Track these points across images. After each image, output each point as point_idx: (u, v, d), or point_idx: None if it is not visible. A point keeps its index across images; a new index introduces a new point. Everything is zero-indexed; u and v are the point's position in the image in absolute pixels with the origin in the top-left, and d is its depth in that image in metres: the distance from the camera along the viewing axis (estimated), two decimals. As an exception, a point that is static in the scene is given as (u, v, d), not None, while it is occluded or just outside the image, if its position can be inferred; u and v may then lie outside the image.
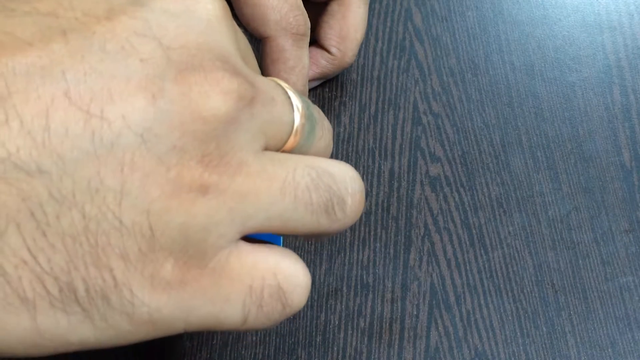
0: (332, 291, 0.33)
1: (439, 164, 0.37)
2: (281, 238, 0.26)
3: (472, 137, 0.37)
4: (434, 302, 0.33)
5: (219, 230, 0.18)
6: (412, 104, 0.38)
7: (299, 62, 0.32)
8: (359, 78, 0.39)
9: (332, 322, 0.32)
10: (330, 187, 0.19)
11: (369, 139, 0.37)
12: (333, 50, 0.36)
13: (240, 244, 0.19)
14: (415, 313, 0.32)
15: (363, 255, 0.34)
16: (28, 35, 0.16)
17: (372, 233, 0.34)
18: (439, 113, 0.38)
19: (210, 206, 0.17)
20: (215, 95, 0.17)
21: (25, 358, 0.17)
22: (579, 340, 0.32)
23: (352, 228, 0.35)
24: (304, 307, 0.32)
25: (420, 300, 0.33)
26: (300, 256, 0.33)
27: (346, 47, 0.36)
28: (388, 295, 0.33)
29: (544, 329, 0.32)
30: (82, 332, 0.17)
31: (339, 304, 0.32)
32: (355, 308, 0.32)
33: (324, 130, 0.22)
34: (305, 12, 0.32)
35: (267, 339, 0.31)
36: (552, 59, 0.40)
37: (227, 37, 0.19)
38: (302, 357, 0.31)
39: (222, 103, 0.17)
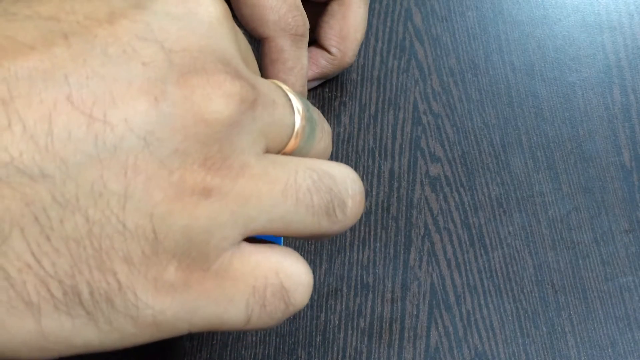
0: (332, 291, 0.33)
1: (439, 164, 0.37)
2: (282, 237, 0.26)
3: (472, 137, 0.37)
4: (434, 302, 0.33)
5: (221, 232, 0.18)
6: (412, 104, 0.38)
7: (298, 63, 0.32)
8: (359, 78, 0.39)
9: (332, 322, 0.32)
10: (331, 189, 0.20)
11: (369, 139, 0.37)
12: (333, 50, 0.36)
13: (243, 245, 0.19)
14: (415, 313, 0.32)
15: (363, 255, 0.34)
16: (30, 39, 0.16)
17: (372, 233, 0.34)
18: (439, 113, 0.38)
19: (213, 209, 0.17)
20: (217, 98, 0.17)
21: None
22: (579, 340, 0.32)
23: (352, 228, 0.35)
24: (304, 307, 0.32)
25: (420, 300, 0.33)
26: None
27: (346, 47, 0.36)
28: (388, 295, 0.33)
29: (544, 329, 0.32)
30: (87, 335, 0.17)
31: (339, 304, 0.32)
32: (355, 308, 0.32)
33: (324, 132, 0.22)
34: (304, 12, 0.32)
35: (267, 339, 0.32)
36: (552, 59, 0.40)
37: (228, 40, 0.19)
38: (302, 357, 0.31)
39: (225, 106, 0.17)
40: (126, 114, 0.16)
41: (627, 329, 0.32)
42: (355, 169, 0.36)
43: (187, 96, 0.17)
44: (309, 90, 0.38)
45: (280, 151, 0.20)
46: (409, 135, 0.37)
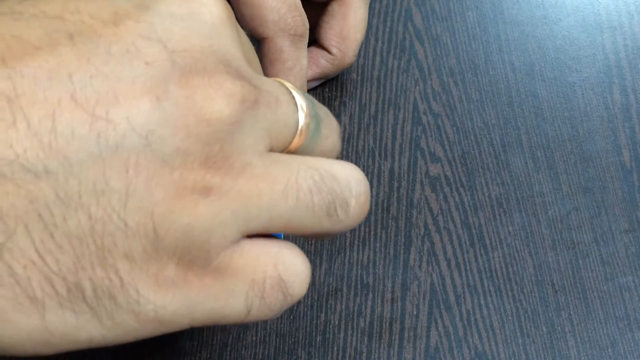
0: (332, 291, 0.33)
1: (439, 164, 0.37)
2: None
3: (472, 137, 0.37)
4: (434, 302, 0.33)
5: (222, 231, 0.18)
6: (412, 104, 0.38)
7: (297, 63, 0.32)
8: (359, 78, 0.39)
9: (332, 322, 0.32)
10: (333, 189, 0.20)
11: (369, 139, 0.37)
12: (333, 50, 0.36)
13: (242, 241, 0.19)
14: (415, 313, 0.32)
15: (363, 255, 0.34)
16: (35, 39, 0.16)
17: (372, 233, 0.34)
18: (439, 113, 0.38)
19: (213, 208, 0.17)
20: (218, 98, 0.17)
21: (34, 357, 0.18)
22: (579, 340, 0.32)
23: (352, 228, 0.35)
24: (304, 307, 0.32)
25: (420, 300, 0.33)
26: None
27: (346, 48, 0.36)
28: (388, 295, 0.33)
29: (544, 329, 0.32)
30: (90, 330, 0.17)
31: (339, 304, 0.33)
32: (355, 308, 0.32)
33: (331, 129, 0.22)
34: (303, 12, 0.32)
35: (267, 339, 0.32)
36: (552, 59, 0.40)
37: (230, 40, 0.19)
38: (302, 357, 0.31)
39: (225, 105, 0.17)
40: (128, 113, 0.16)
41: (627, 329, 0.32)
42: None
43: (189, 96, 0.17)
44: (308, 90, 0.38)
45: (285, 149, 0.20)
46: (409, 135, 0.37)
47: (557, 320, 0.32)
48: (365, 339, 0.32)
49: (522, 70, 0.40)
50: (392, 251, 0.34)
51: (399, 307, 0.32)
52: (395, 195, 0.36)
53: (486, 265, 0.34)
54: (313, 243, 0.34)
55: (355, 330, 0.32)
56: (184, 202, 0.17)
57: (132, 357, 0.31)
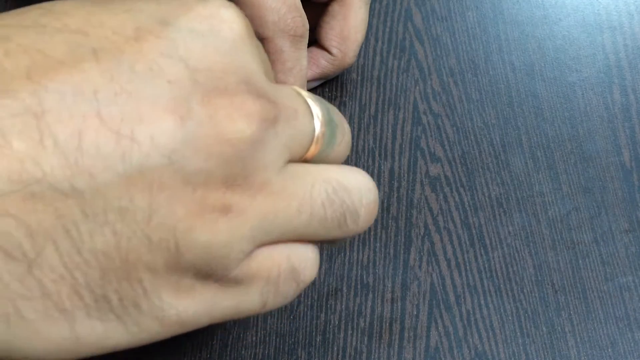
0: (332, 291, 0.33)
1: (439, 164, 0.37)
2: None
3: (472, 137, 0.37)
4: (434, 302, 0.33)
5: (240, 247, 0.18)
6: (412, 104, 0.38)
7: (297, 64, 0.32)
8: (359, 78, 0.39)
9: (332, 322, 0.32)
10: (345, 201, 0.21)
11: (369, 139, 0.37)
12: (334, 50, 0.36)
13: (257, 249, 0.20)
14: (415, 313, 0.32)
15: (363, 255, 0.34)
16: (59, 53, 0.16)
17: (372, 233, 0.34)
18: (439, 113, 0.38)
19: (232, 225, 0.18)
20: (240, 118, 0.18)
21: None
22: (579, 340, 0.32)
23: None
24: (304, 307, 0.32)
25: (420, 300, 0.33)
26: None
27: (347, 48, 0.36)
28: (388, 295, 0.33)
29: (544, 329, 0.32)
30: (117, 336, 0.18)
31: (339, 304, 0.33)
32: (355, 308, 0.32)
33: (344, 133, 0.23)
34: (303, 13, 0.32)
35: (267, 339, 0.32)
36: (552, 59, 0.40)
37: (250, 56, 0.19)
38: (302, 357, 0.31)
39: (247, 126, 0.18)
40: (152, 132, 0.17)
41: (627, 329, 0.32)
42: (355, 169, 0.36)
43: (212, 116, 0.17)
44: (308, 91, 0.38)
45: (301, 158, 0.21)
46: (409, 135, 0.37)
47: (557, 320, 0.32)
48: (365, 339, 0.32)
49: (522, 70, 0.40)
50: (392, 251, 0.34)
51: (399, 307, 0.32)
52: (395, 195, 0.36)
53: (486, 265, 0.34)
54: (313, 243, 0.34)
55: (355, 330, 0.32)
56: (205, 220, 0.17)
57: (132, 357, 0.31)
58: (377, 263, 0.34)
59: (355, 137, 0.37)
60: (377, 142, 0.37)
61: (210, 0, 0.19)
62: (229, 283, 0.19)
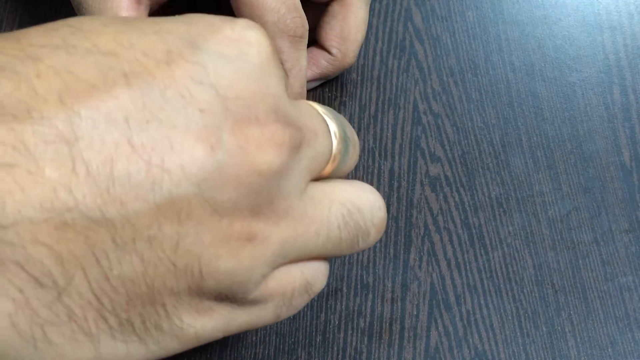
0: (332, 291, 0.33)
1: (439, 164, 0.37)
2: None
3: (472, 137, 0.37)
4: (434, 302, 0.33)
5: (261, 271, 0.19)
6: (412, 104, 0.38)
7: (297, 64, 0.32)
8: (359, 78, 0.39)
9: (332, 322, 0.32)
10: (358, 222, 0.21)
11: (369, 139, 0.37)
12: (334, 51, 0.36)
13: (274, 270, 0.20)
14: (415, 313, 0.32)
15: (363, 255, 0.34)
16: (90, 77, 0.16)
17: (372, 233, 0.34)
18: (439, 113, 0.38)
19: (256, 252, 0.18)
20: (270, 149, 0.18)
21: None
22: (579, 340, 0.32)
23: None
24: (304, 307, 0.32)
25: (420, 300, 0.33)
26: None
27: (347, 48, 0.36)
28: (388, 295, 0.33)
29: (544, 329, 0.32)
30: (137, 355, 0.18)
31: (339, 304, 0.33)
32: (355, 308, 0.32)
33: (355, 146, 0.23)
34: (303, 13, 0.32)
35: (267, 339, 0.32)
36: (552, 59, 0.40)
37: (277, 79, 0.19)
38: (302, 357, 0.31)
39: (277, 156, 0.18)
40: (183, 161, 0.17)
41: (627, 329, 0.32)
42: (355, 169, 0.36)
43: (242, 146, 0.17)
44: (308, 91, 0.38)
45: (319, 175, 0.21)
46: (409, 135, 0.37)
47: (557, 320, 0.32)
48: (365, 339, 0.32)
49: (522, 70, 0.40)
50: (392, 251, 0.34)
51: (399, 307, 0.32)
52: (395, 195, 0.36)
53: (486, 265, 0.34)
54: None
55: (355, 330, 0.32)
56: (230, 248, 0.18)
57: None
58: (377, 263, 0.34)
59: (355, 137, 0.37)
60: (377, 142, 0.37)
61: (238, 22, 0.19)
62: (245, 306, 0.20)
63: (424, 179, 0.36)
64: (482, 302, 0.33)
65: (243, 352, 0.31)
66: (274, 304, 0.20)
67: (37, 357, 0.17)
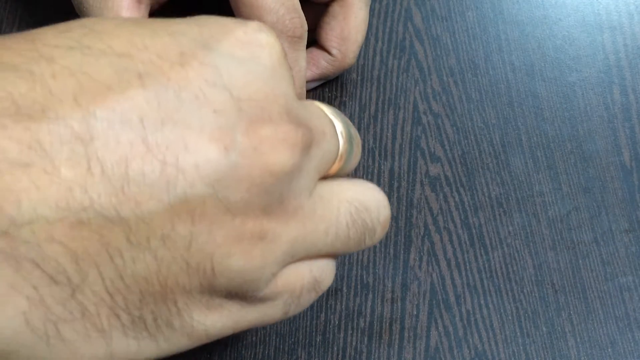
0: (332, 291, 0.33)
1: (439, 164, 0.37)
2: None
3: (472, 137, 0.37)
4: (434, 302, 0.33)
5: (272, 269, 0.19)
6: (412, 104, 0.38)
7: (296, 65, 0.32)
8: (359, 78, 0.39)
9: (332, 322, 0.32)
10: (365, 221, 0.22)
11: (369, 139, 0.37)
12: (334, 51, 0.36)
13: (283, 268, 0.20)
14: (415, 313, 0.32)
15: (363, 255, 0.34)
16: (106, 78, 0.16)
17: (372, 233, 0.34)
18: (439, 113, 0.38)
19: (266, 251, 0.19)
20: (283, 149, 0.18)
21: None
22: (579, 340, 0.32)
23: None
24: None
25: (420, 300, 0.33)
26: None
27: (347, 49, 0.36)
28: (388, 295, 0.33)
29: (544, 329, 0.32)
30: (148, 352, 0.19)
31: (339, 304, 0.33)
32: (355, 308, 0.32)
33: (359, 145, 0.24)
34: (302, 14, 0.32)
35: (267, 339, 0.32)
36: (552, 59, 0.40)
37: (288, 81, 0.20)
38: (302, 357, 0.31)
39: (290, 157, 0.18)
40: (197, 161, 0.17)
41: (627, 329, 0.32)
42: (356, 169, 0.36)
43: (256, 147, 0.18)
44: (308, 91, 0.38)
45: (325, 174, 0.21)
46: (409, 135, 0.37)
47: (557, 320, 0.32)
48: (365, 339, 0.32)
49: (522, 70, 0.40)
50: (392, 251, 0.34)
51: (399, 307, 0.33)
52: (395, 195, 0.36)
53: (486, 265, 0.34)
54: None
55: (355, 330, 0.32)
56: (242, 247, 0.18)
57: (132, 357, 0.31)
58: (377, 263, 0.34)
59: (355, 137, 0.37)
60: (377, 142, 0.37)
61: (249, 24, 0.19)
62: (255, 303, 0.20)
63: (424, 179, 0.36)
64: (482, 302, 0.33)
65: (243, 352, 0.31)
66: (283, 301, 0.20)
67: (49, 353, 0.17)
